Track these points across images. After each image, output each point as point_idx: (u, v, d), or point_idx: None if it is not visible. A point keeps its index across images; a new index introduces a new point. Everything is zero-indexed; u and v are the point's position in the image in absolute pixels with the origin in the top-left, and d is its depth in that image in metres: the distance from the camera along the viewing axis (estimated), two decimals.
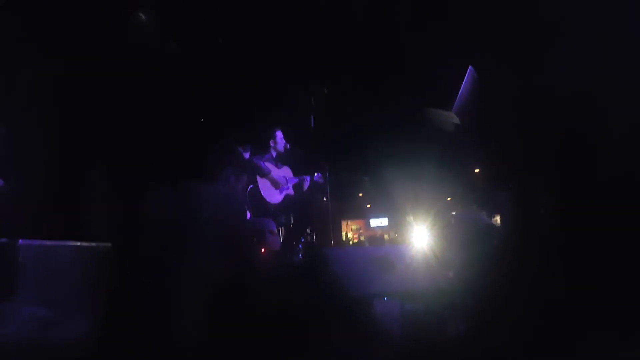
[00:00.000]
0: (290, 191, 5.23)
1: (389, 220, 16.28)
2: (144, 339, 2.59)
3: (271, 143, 5.22)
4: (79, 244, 3.09)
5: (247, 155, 4.98)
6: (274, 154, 5.22)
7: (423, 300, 3.26)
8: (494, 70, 5.51)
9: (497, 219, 5.29)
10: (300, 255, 4.70)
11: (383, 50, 5.56)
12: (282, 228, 5.20)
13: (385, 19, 5.50)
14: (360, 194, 13.68)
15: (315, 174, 5.22)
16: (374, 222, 17.21)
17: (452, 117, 5.93)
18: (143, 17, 4.62)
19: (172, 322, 2.59)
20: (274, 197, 5.08)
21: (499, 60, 5.27)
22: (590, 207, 3.41)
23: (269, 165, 5.08)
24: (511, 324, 2.78)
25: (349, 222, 16.46)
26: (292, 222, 5.14)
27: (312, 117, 5.03)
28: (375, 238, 12.95)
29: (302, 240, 5.04)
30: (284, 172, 5.24)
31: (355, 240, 14.13)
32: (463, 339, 2.98)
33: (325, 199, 5.40)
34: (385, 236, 13.75)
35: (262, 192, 4.96)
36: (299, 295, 2.76)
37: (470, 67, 5.79)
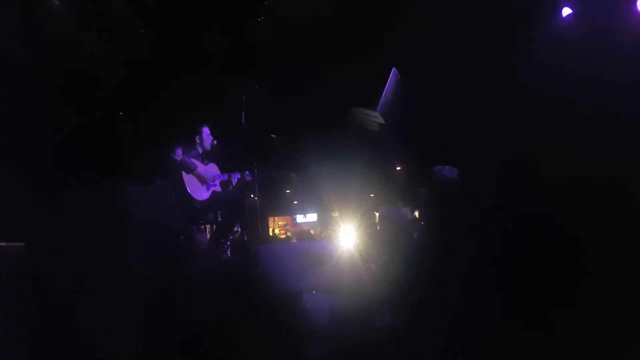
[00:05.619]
0: (217, 188, 5.15)
1: (316, 217, 16.47)
2: (61, 347, 2.45)
3: (197, 139, 5.11)
4: None
5: (179, 152, 4.84)
6: (200, 150, 5.11)
7: (349, 294, 3.37)
8: (416, 73, 5.79)
9: (416, 214, 5.55)
10: (229, 253, 4.65)
11: (314, 50, 5.64)
12: (210, 225, 5.11)
13: (316, 20, 5.58)
14: (288, 191, 13.72)
15: (245, 172, 5.18)
16: (301, 219, 17.33)
17: (376, 117, 6.14)
18: (63, 9, 4.36)
19: (93, 329, 2.47)
20: (200, 194, 4.98)
21: (421, 63, 5.54)
22: (507, 202, 3.67)
23: (195, 162, 4.97)
24: (432, 317, 2.94)
25: (275, 219, 16.45)
26: (220, 219, 5.06)
27: (242, 114, 4.99)
28: (302, 234, 13.05)
29: (231, 237, 4.99)
30: (211, 169, 5.15)
31: (283, 236, 14.16)
32: (387, 331, 3.13)
33: (253, 196, 5.37)
34: (312, 232, 13.90)
35: (188, 189, 4.84)
36: (230, 293, 2.75)
37: (393, 68, 6.02)
